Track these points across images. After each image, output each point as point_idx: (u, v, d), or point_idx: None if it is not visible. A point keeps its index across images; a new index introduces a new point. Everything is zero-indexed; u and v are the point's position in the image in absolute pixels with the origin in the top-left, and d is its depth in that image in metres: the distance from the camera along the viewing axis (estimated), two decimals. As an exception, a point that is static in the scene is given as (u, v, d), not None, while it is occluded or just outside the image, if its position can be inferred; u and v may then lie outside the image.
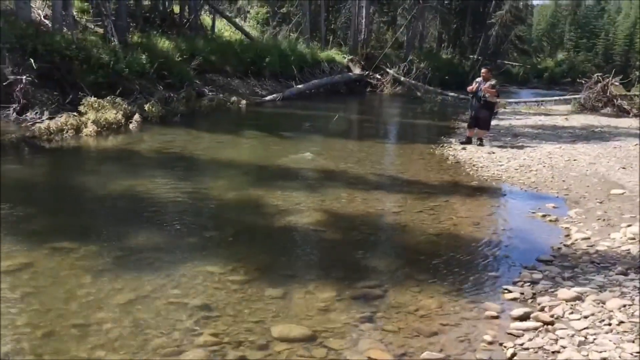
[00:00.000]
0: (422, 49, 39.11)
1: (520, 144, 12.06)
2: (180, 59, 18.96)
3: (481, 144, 11.55)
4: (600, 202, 7.25)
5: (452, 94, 26.38)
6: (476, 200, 7.43)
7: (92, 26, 19.35)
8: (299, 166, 9.08)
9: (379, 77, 28.93)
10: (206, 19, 30.48)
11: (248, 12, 34.60)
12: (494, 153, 10.84)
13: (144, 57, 16.47)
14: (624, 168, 9.40)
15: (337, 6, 39.57)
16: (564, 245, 5.61)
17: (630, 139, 12.80)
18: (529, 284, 4.52)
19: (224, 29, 29.42)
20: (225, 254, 4.93)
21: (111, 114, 11.80)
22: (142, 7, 24.90)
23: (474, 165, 9.80)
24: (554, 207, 7.23)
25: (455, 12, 45.07)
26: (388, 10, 42.19)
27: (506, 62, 48.95)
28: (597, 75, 19.83)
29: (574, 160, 10.11)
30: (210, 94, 19.39)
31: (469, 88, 11.57)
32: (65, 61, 13.87)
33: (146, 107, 13.08)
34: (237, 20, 33.15)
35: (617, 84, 19.64)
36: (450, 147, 11.64)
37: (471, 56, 44.17)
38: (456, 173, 9.14)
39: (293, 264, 4.95)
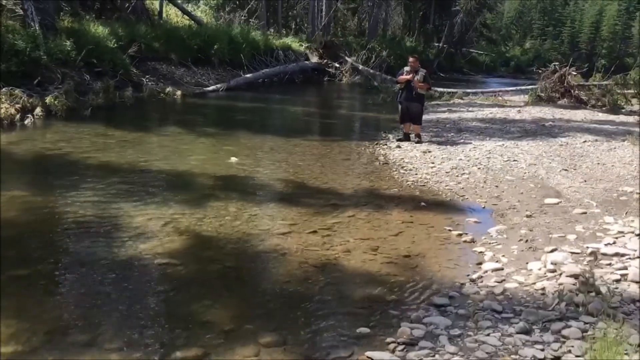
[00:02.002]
0: (386, 37, 37.94)
1: (462, 140, 11.02)
2: (115, 45, 17.49)
3: (419, 141, 10.46)
4: (529, 216, 6.21)
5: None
6: (388, 214, 6.32)
7: (17, 9, 17.74)
8: (198, 171, 7.88)
9: (338, 65, 27.70)
10: (154, 3, 28.92)
11: (200, -4, 33.01)
12: (429, 152, 9.77)
13: (68, 43, 15.03)
14: (565, 170, 8.41)
15: (296, -8, 38.24)
16: (470, 280, 4.53)
17: (580, 134, 11.84)
18: (402, 346, 3.42)
19: (175, 15, 27.93)
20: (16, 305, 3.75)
21: (1, 108, 10.41)
22: (78, -9, 23.31)
23: (402, 167, 8.72)
24: (475, 221, 6.18)
25: (420, -1, 44.02)
26: (352, -2, 40.92)
27: (472, 50, 48.20)
28: (554, 65, 18.88)
29: (514, 160, 9.08)
30: (149, 83, 18.07)
31: (401, 78, 10.45)
32: None
33: (47, 99, 11.68)
34: (188, 5, 31.66)
35: (574, 73, 18.73)
36: (386, 144, 10.55)
37: (436, 44, 43.30)
38: (378, 177, 8.03)
39: (94, 319, 3.77)
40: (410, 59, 10.56)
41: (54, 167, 7.93)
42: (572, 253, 4.88)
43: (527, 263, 4.78)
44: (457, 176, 8.13)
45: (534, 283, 4.27)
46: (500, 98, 20.40)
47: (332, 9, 33.13)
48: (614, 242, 5.14)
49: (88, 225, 5.48)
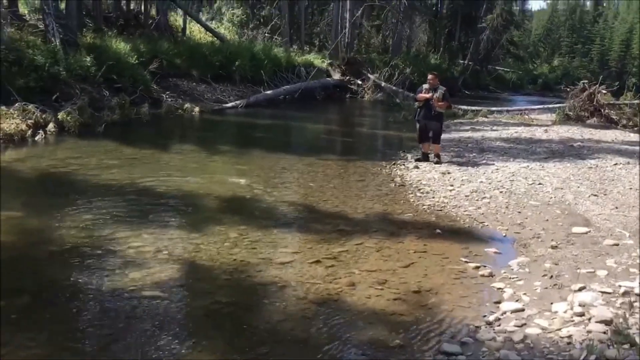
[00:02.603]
0: (410, 54, 37.54)
1: (484, 161, 10.50)
2: (136, 61, 17.43)
3: (438, 162, 9.98)
4: (555, 247, 5.69)
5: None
6: (399, 242, 5.86)
7: (40, 25, 17.80)
8: (203, 191, 7.52)
9: (360, 82, 27.33)
10: (178, 19, 29.05)
11: (224, 13, 33.05)
12: (449, 173, 9.29)
13: (88, 59, 14.97)
14: (595, 195, 7.85)
15: (320, 9, 38.11)
16: (486, 322, 4.05)
17: (611, 156, 11.22)
18: (404, 406, 2.96)
19: (198, 31, 27.98)
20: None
21: (11, 124, 10.23)
22: (101, 7, 23.46)
23: (419, 189, 8.25)
24: (495, 252, 5.69)
25: (445, 16, 43.54)
26: (377, 15, 40.60)
27: (498, 67, 47.46)
28: (584, 83, 18.23)
29: (539, 184, 8.55)
30: (169, 100, 17.96)
31: (420, 97, 10.01)
32: None
33: (59, 115, 11.49)
34: (212, 22, 31.73)
35: (604, 91, 18.05)
36: (404, 165, 10.09)
37: (461, 61, 42.70)
38: (393, 201, 7.58)
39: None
40: (430, 76, 10.13)
41: (56, 185, 7.66)
42: (603, 293, 4.36)
43: (551, 303, 4.27)
44: (477, 200, 7.63)
45: (559, 329, 3.77)
46: (526, 116, 19.80)
47: (356, 26, 32.85)
48: (650, 280, 4.61)
49: (78, 251, 5.13)
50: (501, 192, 8.07)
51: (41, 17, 17.35)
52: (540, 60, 62.24)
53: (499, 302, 4.40)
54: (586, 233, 6.16)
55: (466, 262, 5.32)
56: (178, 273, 4.78)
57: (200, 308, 4.21)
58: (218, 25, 31.28)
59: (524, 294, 4.52)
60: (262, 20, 33.91)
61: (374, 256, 5.41)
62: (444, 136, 13.40)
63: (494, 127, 16.31)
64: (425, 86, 10.04)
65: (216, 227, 5.99)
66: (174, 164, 9.39)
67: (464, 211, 7.14)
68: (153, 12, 25.99)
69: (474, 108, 21.09)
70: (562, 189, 8.26)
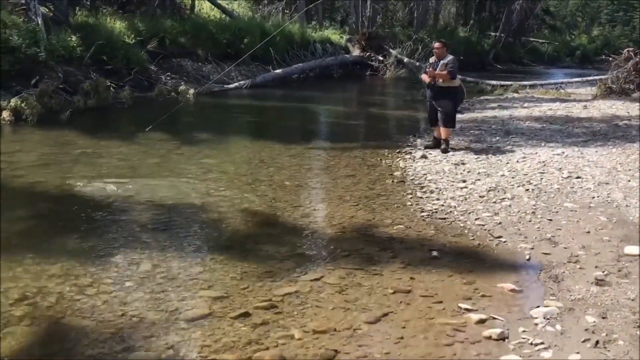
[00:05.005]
0: (437, 27, 35.27)
1: (509, 146, 8.65)
2: (133, 41, 15.95)
3: (445, 149, 8.17)
4: (601, 281, 3.91)
5: (459, 76, 22.63)
6: (375, 274, 4.15)
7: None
8: (143, 197, 5.91)
9: (381, 58, 25.31)
10: (186, -4, 27.43)
11: (236, -12, 31.24)
12: (463, 164, 7.50)
13: (73, 38, 13.52)
14: (653, 194, 5.97)
15: (341, -19, 35.99)
16: None
17: (668, 137, 9.22)
18: None
19: (210, 8, 26.34)
20: None
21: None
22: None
23: (422, 187, 6.50)
24: (512, 290, 3.92)
25: (475, -15, 40.88)
26: (403, -14, 38.28)
27: (532, 39, 44.57)
28: (628, 51, 15.98)
29: (577, 177, 6.69)
30: (170, 81, 16.47)
31: (423, 77, 8.25)
32: None
33: (12, 102, 10.01)
34: (225, -2, 30.07)
35: (653, 60, 15.75)
36: (410, 153, 8.33)
37: (493, 34, 40.10)
38: (383, 205, 5.84)
39: None
40: (436, 45, 8.28)
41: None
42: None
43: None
44: (495, 202, 5.85)
45: None
46: (562, 91, 17.66)
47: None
48: None
49: None
50: (527, 189, 6.25)
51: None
52: (579, 31, 58.75)
53: (510, 400, 2.67)
54: (645, 255, 4.35)
55: (466, 310, 3.59)
56: (43, 331, 3.19)
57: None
58: (230, 2, 29.59)
59: (553, 380, 2.78)
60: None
61: (332, 302, 3.70)
62: (463, 116, 11.67)
63: (525, 104, 14.30)
64: (432, 59, 8.21)
65: (128, 254, 4.38)
66: (130, 158, 7.79)
67: (476, 219, 5.37)
68: (158, -12, 24.48)
69: (503, 83, 19.05)
70: (607, 184, 6.41)
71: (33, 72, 11.91)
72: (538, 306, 3.62)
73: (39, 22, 13.07)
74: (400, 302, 3.72)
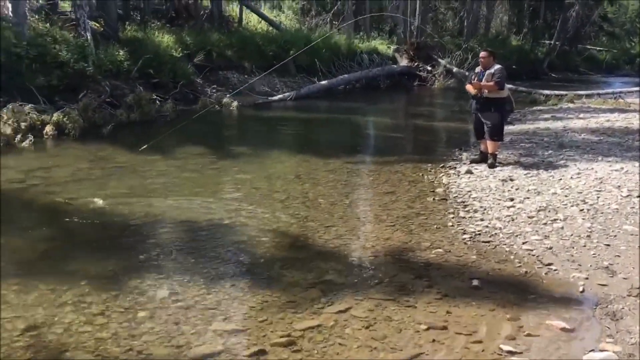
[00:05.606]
0: (488, 36, 34.46)
1: (562, 161, 8.08)
2: (180, 54, 16.10)
3: (492, 164, 7.68)
4: (667, 321, 3.41)
5: (510, 85, 21.82)
6: (408, 307, 3.76)
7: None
8: (169, 215, 5.71)
9: (429, 68, 24.79)
10: (235, 9, 27.68)
11: (282, 1, 31.36)
12: (511, 180, 7.01)
13: (121, 53, 13.69)
14: None
15: (389, -8, 35.61)
16: None
17: None
18: None
19: (257, 21, 26.49)
20: None
21: (-8, 129, 8.87)
22: (149, 0, 22.38)
23: (465, 205, 6.06)
24: (563, 328, 3.47)
25: (528, -8, 39.76)
26: (454, -5, 37.65)
27: (589, 46, 42.99)
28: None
29: (638, 196, 6.11)
30: (215, 94, 16.46)
31: (468, 88, 7.80)
32: (12, 61, 11.27)
33: (54, 117, 10.07)
34: (273, 11, 30.22)
35: None
36: (455, 168, 7.89)
37: (547, 42, 38.87)
38: (422, 226, 5.44)
39: None
40: (481, 54, 7.83)
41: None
42: None
43: None
44: (545, 224, 5.36)
45: None
46: (621, 100, 16.72)
47: (429, 10, 30.29)
48: None
49: None
50: (581, 210, 5.73)
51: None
52: (639, 38, 56.47)
53: None
54: None
55: (509, 353, 3.17)
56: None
57: None
58: (278, 14, 29.70)
59: None
60: (329, 6, 31.95)
61: (357, 339, 3.35)
62: (514, 128, 11.13)
63: (581, 115, 13.55)
64: (478, 69, 7.76)
65: (134, 278, 4.13)
66: (165, 173, 7.63)
67: (523, 243, 4.91)
68: (207, 2, 24.74)
69: (558, 92, 18.23)
70: (672, 204, 5.81)
71: (80, 87, 12.05)
72: (592, 350, 3.17)
73: (88, 37, 13.28)
74: (434, 340, 3.33)
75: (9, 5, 13.78)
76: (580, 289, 4.03)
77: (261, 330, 3.44)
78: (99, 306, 3.71)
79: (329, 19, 29.69)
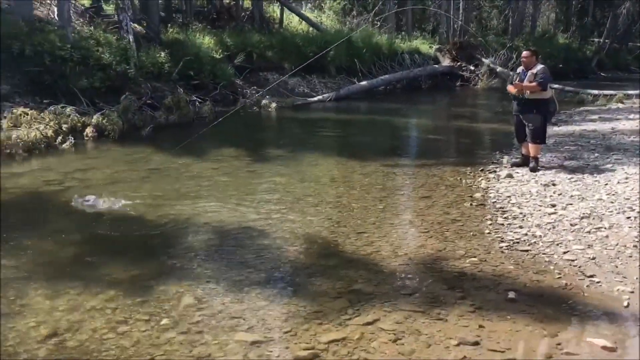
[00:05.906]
0: (534, 34, 33.64)
1: (609, 165, 7.73)
2: (220, 56, 16.22)
3: (534, 168, 7.41)
4: None
5: (556, 85, 21.19)
6: (438, 319, 3.60)
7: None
8: (201, 219, 5.68)
9: (473, 68, 24.31)
10: (276, 10, 27.77)
11: (325, 1, 31.25)
12: (553, 185, 6.73)
13: (162, 55, 13.87)
14: None
15: (430, -9, 35.14)
16: None
17: None
18: None
19: (298, 22, 26.50)
20: None
21: (34, 130, 9.04)
22: (192, 2, 22.64)
23: (504, 212, 5.83)
24: (605, 347, 3.25)
25: (576, -11, 38.66)
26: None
27: (641, 44, 41.50)
28: None
29: (691, 203, 5.77)
30: (255, 95, 16.53)
31: (509, 89, 7.53)
32: (57, 63, 11.55)
33: (94, 118, 10.22)
34: (314, 11, 30.16)
35: None
36: (494, 172, 7.63)
37: (596, 40, 37.69)
38: (458, 232, 5.25)
39: None
40: (523, 54, 7.55)
41: (22, 210, 6.12)
42: None
43: None
44: (589, 232, 5.10)
45: None
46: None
47: (473, 8, 29.74)
48: None
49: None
50: (628, 217, 5.44)
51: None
52: (694, 34, 54.24)
53: None
54: None
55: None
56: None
57: None
58: (319, 15, 29.62)
59: None
60: (371, 6, 31.75)
61: (383, 354, 3.21)
62: (559, 129, 10.76)
63: (630, 116, 13.02)
64: (520, 69, 7.49)
65: (161, 284, 4.09)
66: (201, 176, 7.62)
67: (564, 252, 4.67)
68: (248, 4, 24.88)
69: (606, 92, 17.59)
70: None
71: (122, 89, 12.22)
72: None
73: (130, 40, 13.48)
74: (465, 357, 3.16)
75: (54, 9, 14.14)
76: (625, 303, 3.79)
77: (285, 342, 3.34)
78: (123, 313, 3.68)
79: (370, 19, 29.47)
